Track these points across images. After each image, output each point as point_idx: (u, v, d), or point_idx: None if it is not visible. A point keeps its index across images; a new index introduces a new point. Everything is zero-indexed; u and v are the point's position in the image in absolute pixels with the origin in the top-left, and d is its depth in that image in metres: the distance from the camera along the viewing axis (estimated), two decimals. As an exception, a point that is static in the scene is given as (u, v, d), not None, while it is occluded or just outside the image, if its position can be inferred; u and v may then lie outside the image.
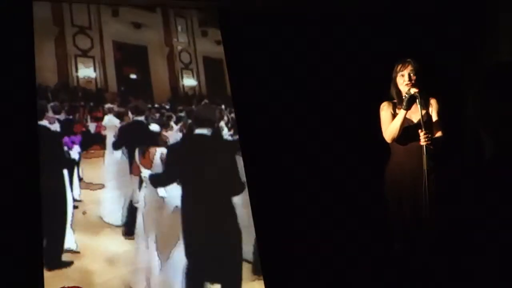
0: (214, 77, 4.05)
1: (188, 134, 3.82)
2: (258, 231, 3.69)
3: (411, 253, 3.08)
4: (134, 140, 3.68)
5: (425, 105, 3.16)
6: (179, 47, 4.01)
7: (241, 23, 4.04)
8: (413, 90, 3.06)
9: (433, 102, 3.21)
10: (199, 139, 3.82)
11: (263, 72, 3.93)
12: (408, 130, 3.13)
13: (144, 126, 3.74)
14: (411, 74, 3.13)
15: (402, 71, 3.16)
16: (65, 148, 3.49)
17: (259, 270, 3.63)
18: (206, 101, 3.98)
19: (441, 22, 4.06)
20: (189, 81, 3.98)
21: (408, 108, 3.09)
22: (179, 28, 4.04)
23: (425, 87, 3.16)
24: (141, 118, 3.75)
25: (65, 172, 3.45)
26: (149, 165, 3.67)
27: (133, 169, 3.62)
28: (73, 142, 3.50)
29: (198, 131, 3.82)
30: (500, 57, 3.81)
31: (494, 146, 3.65)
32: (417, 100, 3.05)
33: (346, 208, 3.84)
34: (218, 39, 4.10)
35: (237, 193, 3.74)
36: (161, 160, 3.71)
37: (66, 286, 3.19)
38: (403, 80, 3.15)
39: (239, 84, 3.97)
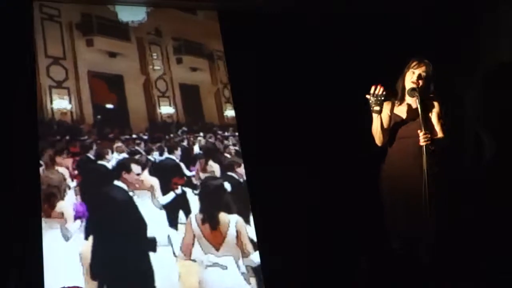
0: (191, 104, 4.05)
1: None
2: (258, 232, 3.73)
3: (409, 252, 3.07)
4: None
5: (423, 103, 3.11)
6: (155, 75, 3.99)
7: (241, 23, 4.09)
8: (411, 86, 3.09)
9: (432, 101, 3.18)
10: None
11: (263, 73, 3.96)
12: (403, 129, 3.13)
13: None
14: (422, 74, 3.10)
15: (415, 68, 3.13)
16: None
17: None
18: (184, 128, 3.97)
19: (441, 21, 4.09)
20: (166, 109, 3.97)
21: (377, 110, 3.07)
22: (154, 56, 4.03)
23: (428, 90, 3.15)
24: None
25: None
26: (220, 240, 3.63)
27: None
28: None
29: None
30: (500, 57, 3.83)
31: (494, 146, 3.73)
32: (417, 100, 3.04)
33: (348, 207, 3.88)
34: (193, 66, 4.12)
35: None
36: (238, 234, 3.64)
37: (66, 286, 3.14)
38: (411, 77, 3.12)
39: (239, 84, 4.02)
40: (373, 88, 3.05)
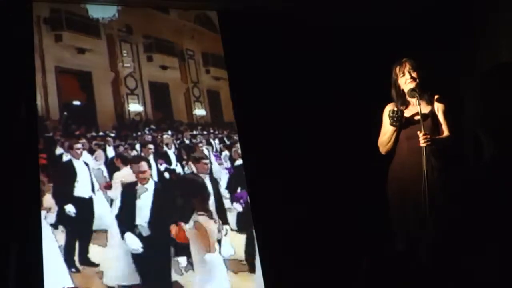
0: (160, 102, 4.04)
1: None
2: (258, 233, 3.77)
3: (413, 253, 3.05)
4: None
5: (430, 102, 3.14)
6: (125, 72, 3.97)
7: (241, 23, 4.10)
8: (411, 86, 3.10)
9: (437, 101, 3.17)
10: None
11: (262, 73, 3.98)
12: (411, 129, 3.11)
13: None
14: (411, 72, 3.13)
15: (401, 71, 3.16)
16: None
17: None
18: (152, 126, 3.96)
19: (441, 22, 4.10)
20: (135, 107, 3.95)
21: (396, 125, 3.08)
22: (124, 53, 4.01)
23: (428, 84, 3.14)
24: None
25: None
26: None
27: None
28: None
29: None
30: (499, 57, 3.83)
31: (494, 146, 3.74)
32: (417, 101, 3.04)
33: (348, 208, 3.90)
34: (164, 64, 4.11)
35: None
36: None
37: (66, 286, 3.14)
38: (405, 80, 3.15)
39: (239, 85, 4.04)
40: (392, 108, 3.11)
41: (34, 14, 3.76)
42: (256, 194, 3.90)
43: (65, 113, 3.70)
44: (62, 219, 3.43)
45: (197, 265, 3.65)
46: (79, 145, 3.61)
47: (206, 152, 4.01)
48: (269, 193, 3.84)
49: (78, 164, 3.60)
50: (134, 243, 3.55)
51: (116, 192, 3.62)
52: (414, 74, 3.13)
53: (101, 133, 3.74)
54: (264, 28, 4.07)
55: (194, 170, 3.91)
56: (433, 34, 4.11)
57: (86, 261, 3.42)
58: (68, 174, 3.54)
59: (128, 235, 3.55)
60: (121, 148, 3.74)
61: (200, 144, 4.02)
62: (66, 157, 3.59)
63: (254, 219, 3.84)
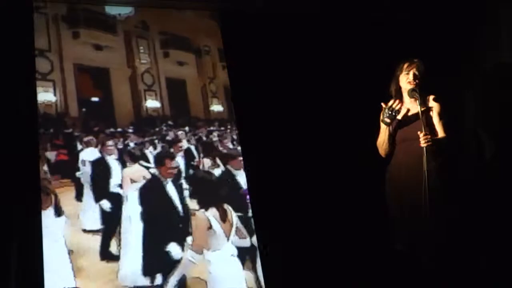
0: (177, 98, 4.05)
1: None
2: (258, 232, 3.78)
3: (412, 253, 3.07)
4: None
5: (423, 104, 3.12)
6: (142, 69, 3.99)
7: (242, 23, 4.10)
8: (409, 87, 3.11)
9: (433, 101, 3.17)
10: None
11: (263, 72, 3.98)
12: (405, 131, 3.13)
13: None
14: (416, 74, 3.12)
15: (408, 69, 3.15)
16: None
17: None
18: (170, 122, 3.98)
19: (441, 22, 4.09)
20: (152, 103, 3.97)
21: (386, 122, 3.10)
22: (141, 49, 4.02)
23: (425, 88, 3.14)
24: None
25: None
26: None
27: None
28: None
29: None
30: (500, 56, 3.84)
31: (494, 146, 3.74)
32: (417, 101, 3.04)
33: (347, 209, 3.90)
34: (180, 60, 4.12)
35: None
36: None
37: (66, 286, 3.16)
38: (407, 78, 3.14)
39: (239, 84, 4.05)
40: (392, 101, 3.11)
41: (52, 11, 3.79)
42: (256, 195, 3.90)
43: (84, 109, 3.72)
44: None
45: (213, 260, 3.68)
46: (110, 142, 3.67)
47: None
48: (269, 193, 3.85)
49: (111, 161, 3.66)
50: (177, 253, 3.60)
51: (138, 188, 3.66)
52: (418, 80, 3.12)
53: (119, 129, 3.77)
54: (264, 27, 4.07)
55: (228, 167, 3.96)
56: (433, 33, 4.10)
57: (107, 255, 3.46)
58: (102, 170, 3.61)
59: (172, 245, 3.59)
60: (147, 145, 3.78)
61: (226, 140, 4.03)
62: (95, 154, 3.64)
63: (255, 222, 3.84)
